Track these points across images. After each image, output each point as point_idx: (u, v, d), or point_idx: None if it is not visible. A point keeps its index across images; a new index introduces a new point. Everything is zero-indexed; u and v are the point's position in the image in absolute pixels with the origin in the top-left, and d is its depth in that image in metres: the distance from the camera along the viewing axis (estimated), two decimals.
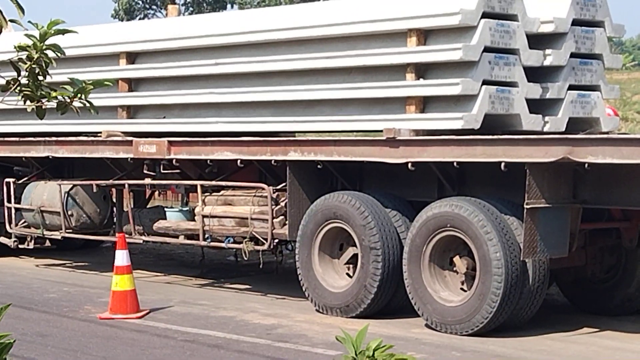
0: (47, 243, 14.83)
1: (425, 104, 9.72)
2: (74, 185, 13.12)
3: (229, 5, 70.46)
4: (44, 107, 3.84)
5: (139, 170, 12.43)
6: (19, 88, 3.81)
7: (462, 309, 9.17)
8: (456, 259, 9.42)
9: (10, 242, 13.92)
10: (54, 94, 3.81)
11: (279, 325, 9.74)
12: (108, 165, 12.77)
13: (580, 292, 10.44)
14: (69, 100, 3.83)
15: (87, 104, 3.89)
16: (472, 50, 9.26)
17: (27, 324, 9.85)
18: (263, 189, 10.90)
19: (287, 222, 10.67)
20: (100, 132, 12.57)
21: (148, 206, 13.52)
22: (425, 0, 9.80)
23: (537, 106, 9.79)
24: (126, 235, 11.03)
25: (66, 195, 13.01)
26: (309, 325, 9.76)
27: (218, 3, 69.80)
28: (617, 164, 8.34)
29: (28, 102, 3.83)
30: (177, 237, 11.98)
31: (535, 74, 9.79)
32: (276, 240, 10.89)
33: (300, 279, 10.46)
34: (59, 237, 13.37)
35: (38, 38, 3.75)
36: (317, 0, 12.11)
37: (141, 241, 12.49)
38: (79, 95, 3.83)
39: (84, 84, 3.84)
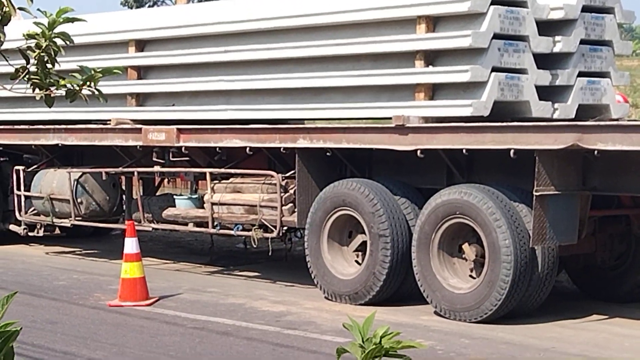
0: (57, 230, 14.87)
1: (434, 91, 9.70)
2: (84, 173, 13.13)
3: None
4: (52, 95, 3.84)
5: (148, 158, 12.44)
6: (28, 76, 3.82)
7: (471, 296, 9.17)
8: (465, 246, 9.42)
9: (20, 229, 13.95)
10: (62, 82, 3.81)
11: (288, 313, 9.75)
12: (117, 153, 12.79)
13: (589, 279, 10.43)
14: (77, 88, 3.83)
15: (96, 92, 3.89)
16: (481, 37, 9.24)
17: (37, 311, 9.88)
18: (272, 176, 10.90)
19: (296, 209, 10.67)
20: (110, 120, 12.58)
21: (157, 194, 13.54)
22: None
23: (546, 93, 9.76)
24: (135, 223, 11.05)
25: (75, 182, 13.03)
26: (317, 312, 9.78)
27: None
28: (627, 151, 8.32)
29: (37, 90, 3.84)
30: (186, 224, 11.99)
31: (544, 61, 9.76)
32: (285, 228, 10.89)
33: (309, 266, 10.47)
34: (69, 225, 13.39)
35: (47, 26, 3.75)
36: None
37: (150, 229, 12.52)
38: (87, 83, 3.83)
39: (93, 72, 3.84)
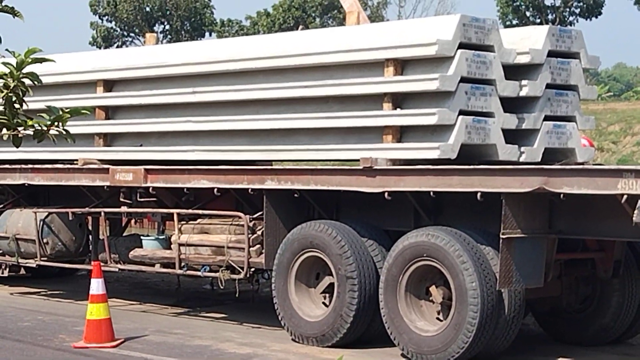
0: (22, 271, 14.75)
1: (402, 133, 9.75)
2: (50, 213, 13.06)
3: (207, 34, 70.69)
4: (20, 135, 3.83)
5: (115, 198, 12.39)
6: None
7: (438, 339, 9.17)
8: (432, 289, 9.42)
9: None
10: (30, 122, 3.80)
11: (255, 355, 9.70)
12: (84, 193, 12.73)
13: (555, 322, 10.46)
14: (45, 129, 3.82)
15: (64, 133, 3.88)
16: (448, 80, 9.31)
17: (1, 352, 9.76)
18: (240, 217, 10.88)
19: (263, 251, 10.65)
20: (77, 160, 12.54)
21: (124, 234, 13.46)
22: (403, 31, 9.85)
23: (513, 136, 9.83)
24: (102, 264, 10.98)
25: (42, 223, 12.95)
26: (285, 354, 9.73)
27: (196, 31, 69.99)
28: (592, 195, 8.37)
29: (4, 130, 3.82)
30: (153, 265, 11.93)
31: (511, 105, 9.84)
32: (252, 269, 10.86)
33: (276, 308, 10.43)
34: (34, 265, 13.28)
35: (15, 66, 3.74)
36: (294, 30, 12.14)
37: (117, 269, 12.44)
38: (55, 123, 3.82)
39: (60, 112, 3.83)
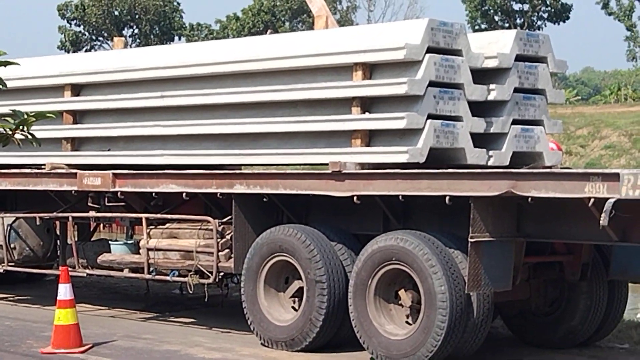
0: None
1: (370, 137, 9.75)
2: (17, 218, 12.98)
3: (176, 38, 70.57)
4: None
5: (83, 203, 12.33)
6: None
7: (407, 343, 9.18)
8: (401, 293, 9.43)
9: None
10: None
11: (224, 359, 9.68)
12: (52, 198, 12.66)
13: (524, 325, 10.50)
14: (10, 133, 3.80)
15: (29, 136, 3.86)
16: (417, 84, 9.32)
17: None
18: (208, 222, 10.86)
19: (232, 255, 10.63)
20: (44, 165, 12.47)
21: (92, 239, 13.40)
22: (371, 35, 9.87)
23: (481, 140, 9.86)
24: (70, 269, 10.91)
25: (9, 228, 12.87)
26: (254, 359, 9.71)
27: (165, 35, 69.87)
28: (560, 198, 8.41)
29: None
30: (121, 270, 11.88)
31: (479, 109, 9.87)
32: (222, 274, 10.84)
33: (245, 312, 10.41)
34: (1, 271, 13.19)
35: None
36: (263, 34, 12.13)
37: (85, 274, 12.37)
38: (20, 127, 3.80)
39: (25, 116, 3.81)
